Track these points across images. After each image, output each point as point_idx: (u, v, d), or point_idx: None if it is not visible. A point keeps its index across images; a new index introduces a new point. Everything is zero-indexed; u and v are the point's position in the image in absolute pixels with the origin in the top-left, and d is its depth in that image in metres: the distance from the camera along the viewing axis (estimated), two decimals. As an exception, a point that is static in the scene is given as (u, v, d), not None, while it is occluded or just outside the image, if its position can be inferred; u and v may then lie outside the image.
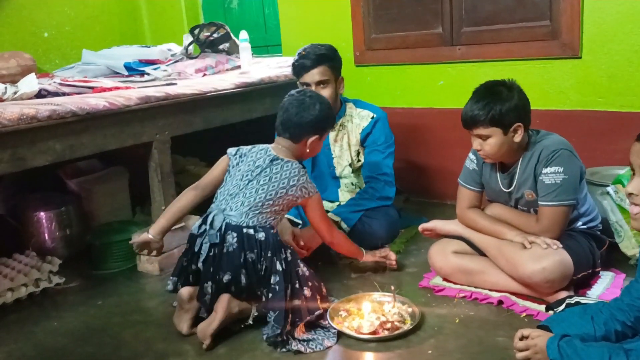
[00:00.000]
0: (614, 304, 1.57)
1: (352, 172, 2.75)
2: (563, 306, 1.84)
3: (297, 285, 1.95)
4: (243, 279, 1.93)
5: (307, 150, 2.11)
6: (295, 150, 2.10)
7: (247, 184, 2.01)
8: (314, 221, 2.15)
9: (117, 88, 2.71)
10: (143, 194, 2.89)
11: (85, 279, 2.62)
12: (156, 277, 2.57)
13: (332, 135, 2.71)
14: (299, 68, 2.58)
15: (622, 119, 2.67)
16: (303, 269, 2.02)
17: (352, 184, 2.77)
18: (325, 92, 2.54)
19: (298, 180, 2.02)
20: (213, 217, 1.99)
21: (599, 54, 2.71)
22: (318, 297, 2.01)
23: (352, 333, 1.93)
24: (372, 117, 2.67)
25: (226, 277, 1.93)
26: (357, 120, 2.69)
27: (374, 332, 1.91)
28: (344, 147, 2.71)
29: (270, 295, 1.92)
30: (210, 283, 1.96)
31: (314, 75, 2.55)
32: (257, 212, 1.96)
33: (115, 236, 2.73)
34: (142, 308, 2.31)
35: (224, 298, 1.94)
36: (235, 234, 1.93)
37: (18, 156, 2.12)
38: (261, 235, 1.94)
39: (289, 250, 2.00)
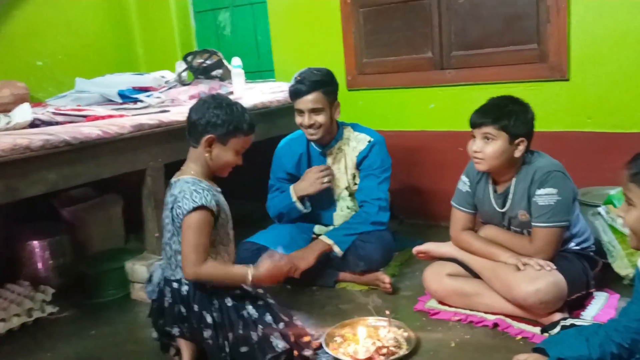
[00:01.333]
0: (610, 325, 1.57)
1: (349, 195, 2.75)
2: (558, 328, 1.84)
3: (240, 331, 1.83)
4: (186, 332, 1.90)
5: (207, 155, 1.89)
6: (200, 159, 1.90)
7: (164, 227, 1.95)
8: (182, 244, 1.82)
9: (111, 116, 2.71)
10: (137, 220, 2.88)
11: (79, 308, 2.59)
12: (150, 305, 2.54)
13: (329, 158, 2.72)
14: (294, 94, 2.58)
15: (612, 139, 2.71)
16: (251, 311, 1.86)
17: (348, 207, 2.76)
18: (319, 119, 2.55)
19: (180, 193, 1.81)
20: (152, 273, 2.00)
21: (587, 75, 2.75)
22: (279, 333, 1.85)
23: (348, 359, 1.91)
24: (369, 141, 2.67)
25: (175, 330, 1.91)
26: (354, 143, 2.69)
27: (370, 358, 1.89)
28: (341, 169, 2.72)
29: (207, 349, 1.87)
30: (162, 336, 1.98)
31: (307, 102, 2.54)
32: (177, 257, 1.87)
33: (109, 264, 2.72)
34: (136, 337, 2.29)
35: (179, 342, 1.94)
36: (169, 288, 1.91)
37: (11, 186, 2.12)
38: (185, 289, 1.88)
39: (227, 297, 1.87)
